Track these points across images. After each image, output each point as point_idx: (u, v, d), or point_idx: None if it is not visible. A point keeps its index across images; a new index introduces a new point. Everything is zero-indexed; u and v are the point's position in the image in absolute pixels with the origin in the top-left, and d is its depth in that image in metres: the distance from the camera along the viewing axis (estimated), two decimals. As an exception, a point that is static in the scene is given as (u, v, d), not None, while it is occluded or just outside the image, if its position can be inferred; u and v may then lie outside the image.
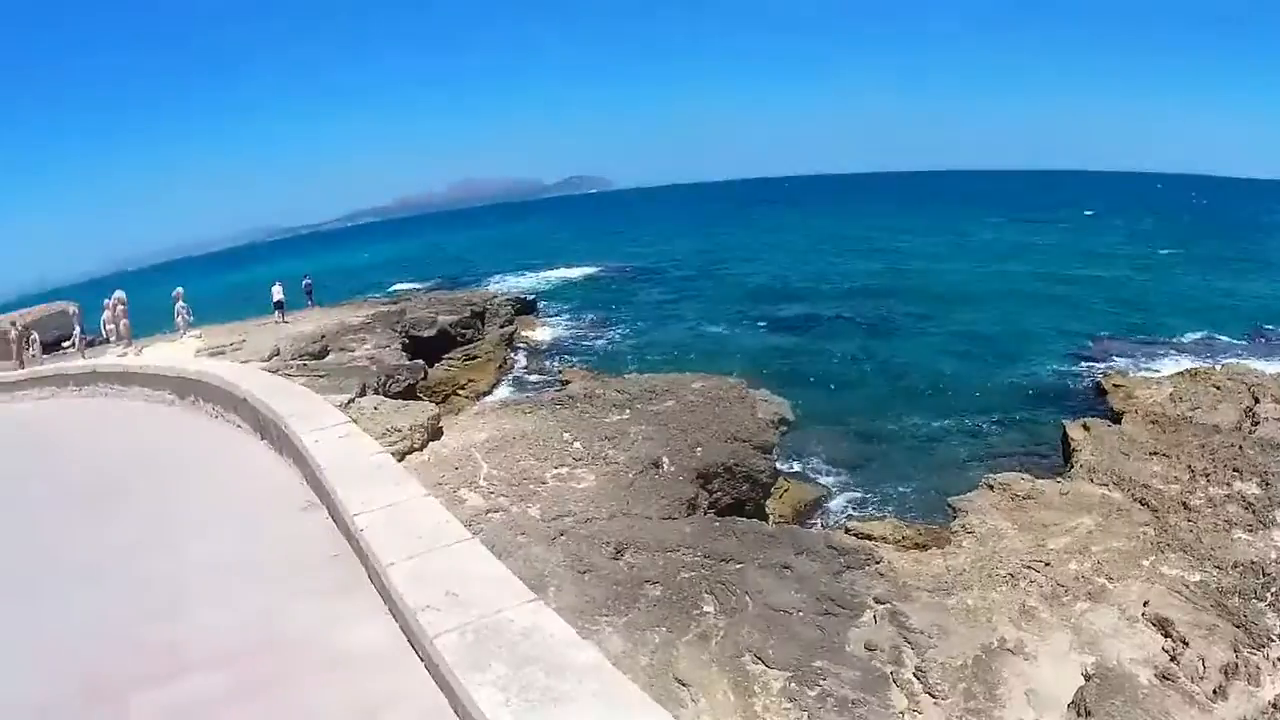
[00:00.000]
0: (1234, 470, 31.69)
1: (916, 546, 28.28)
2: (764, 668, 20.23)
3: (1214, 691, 20.16)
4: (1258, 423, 38.44)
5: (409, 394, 43.55)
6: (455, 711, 6.06)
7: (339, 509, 9.84)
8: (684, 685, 19.55)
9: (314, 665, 7.61)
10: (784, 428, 37.38)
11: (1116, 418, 40.34)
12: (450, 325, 63.24)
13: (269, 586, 9.57)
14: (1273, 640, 21.76)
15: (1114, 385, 48.27)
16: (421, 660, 6.85)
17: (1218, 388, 42.87)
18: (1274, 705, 19.70)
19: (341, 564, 9.52)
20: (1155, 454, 34.05)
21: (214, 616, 8.94)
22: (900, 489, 40.15)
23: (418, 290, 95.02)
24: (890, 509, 37.39)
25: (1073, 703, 19.60)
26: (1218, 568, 25.15)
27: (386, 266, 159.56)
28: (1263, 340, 69.49)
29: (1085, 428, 37.44)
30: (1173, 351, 64.81)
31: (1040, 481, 31.70)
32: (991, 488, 31.18)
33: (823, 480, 41.69)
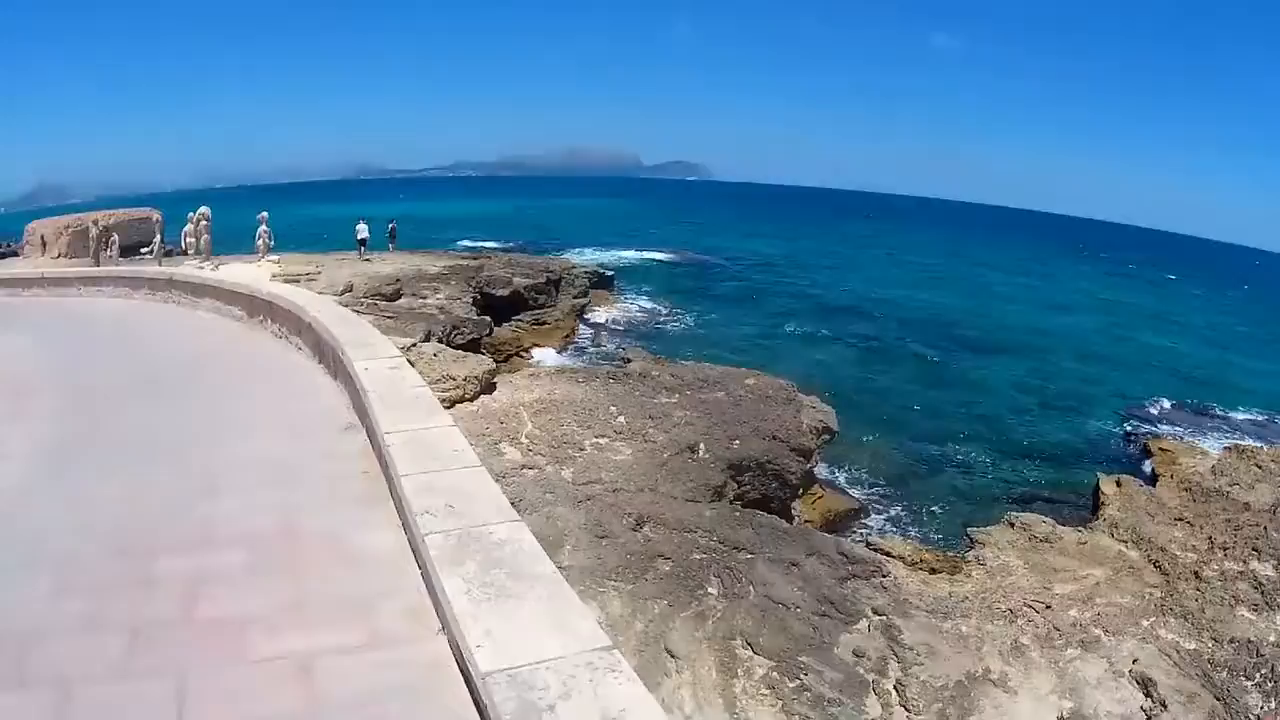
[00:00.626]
0: (1254, 549, 31.95)
1: (930, 570, 28.91)
2: (751, 654, 21.00)
3: None
4: (1293, 505, 39.02)
5: (472, 347, 44.25)
6: (430, 599, 7.17)
7: (375, 429, 10.87)
8: (672, 656, 20.37)
9: (325, 561, 8.50)
10: (826, 436, 38.05)
11: (1154, 480, 40.67)
12: (524, 288, 63.86)
13: (300, 490, 10.51)
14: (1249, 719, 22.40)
15: (1160, 449, 48.47)
16: (419, 567, 7.83)
17: (1260, 467, 42.86)
18: None
19: (369, 480, 10.46)
20: (1180, 520, 34.43)
21: (245, 507, 9.91)
22: (931, 515, 40.77)
23: (500, 249, 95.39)
24: (916, 532, 38.21)
25: None
26: (1214, 640, 25.60)
27: (475, 222, 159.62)
28: None
29: (1118, 484, 37.77)
30: (1226, 427, 64.80)
31: (1062, 528, 32.32)
32: (1012, 525, 31.87)
33: (858, 495, 42.29)
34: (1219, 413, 69.33)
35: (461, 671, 6.10)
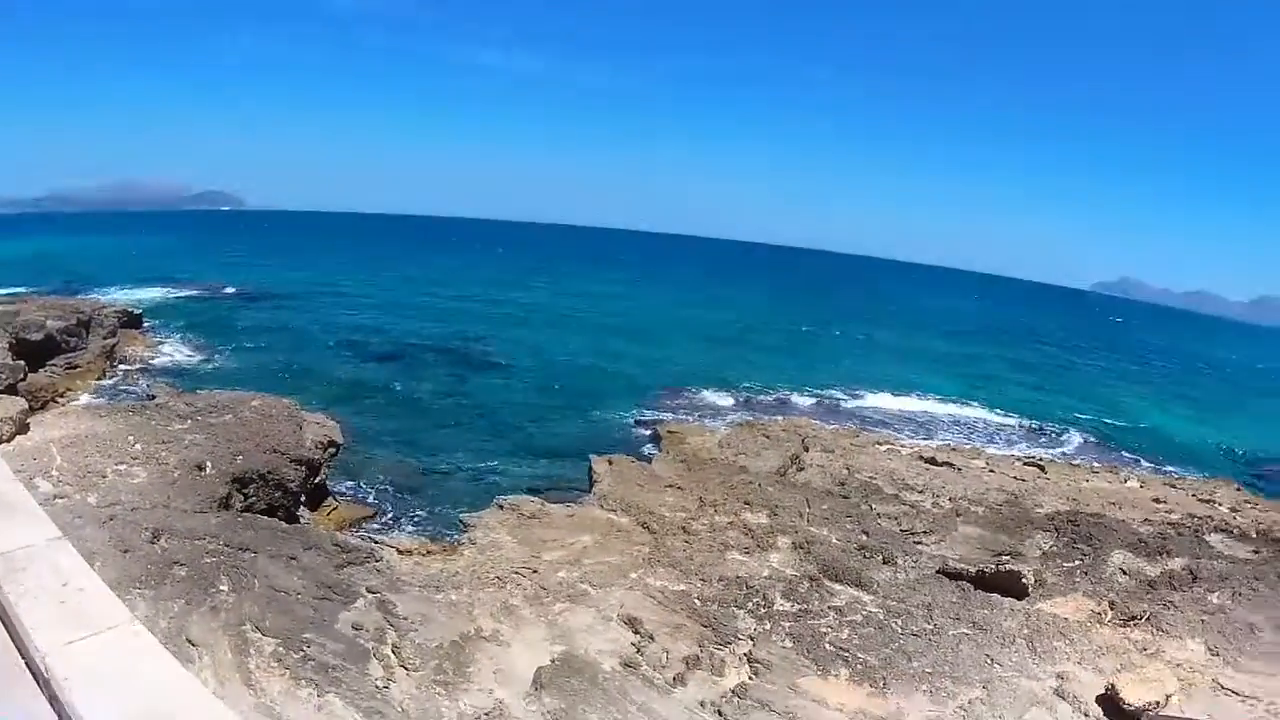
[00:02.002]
0: (745, 503, 36.49)
1: (426, 554, 31.41)
2: (260, 635, 23.12)
3: (674, 678, 23.78)
4: (802, 468, 43.54)
5: (10, 392, 44.44)
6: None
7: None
8: (194, 645, 22.26)
9: None
10: (333, 449, 40.90)
11: (643, 458, 45.07)
12: (57, 331, 62.73)
13: None
14: (740, 639, 25.74)
15: (669, 432, 52.87)
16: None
17: (768, 436, 47.96)
18: (734, 691, 23.13)
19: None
20: (671, 487, 38.42)
21: None
22: (439, 511, 43.11)
23: (36, 293, 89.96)
24: (427, 527, 40.78)
25: (534, 680, 22.96)
26: (703, 581, 29.19)
27: (13, 264, 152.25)
28: (830, 403, 78.60)
29: (609, 462, 41.51)
30: (733, 406, 72.11)
31: (551, 505, 35.57)
32: (502, 508, 34.84)
33: (372, 501, 44.62)
34: (734, 393, 76.36)
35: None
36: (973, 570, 32.75)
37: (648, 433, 59.01)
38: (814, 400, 79.13)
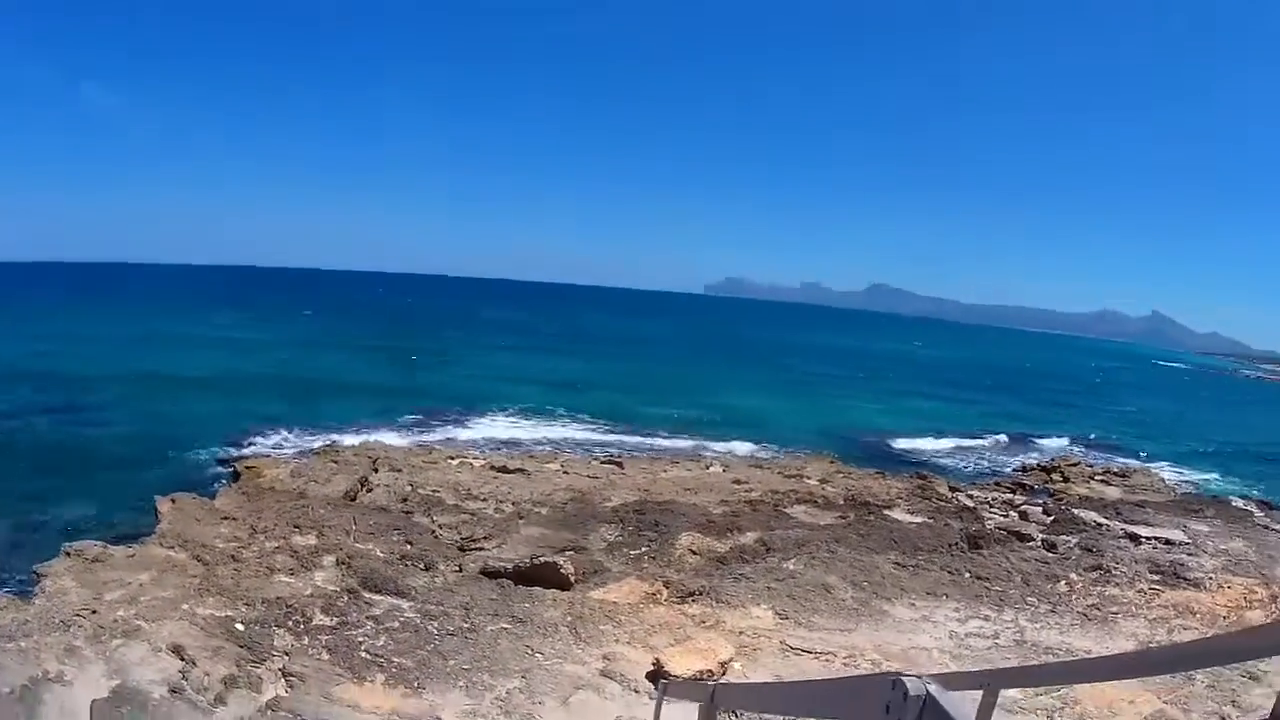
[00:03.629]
0: (294, 527, 38.80)
1: (4, 607, 31.26)
2: None
3: (215, 698, 25.44)
4: (370, 489, 46.65)
5: None
6: None
7: None
8: None
9: None
10: None
11: (213, 495, 46.59)
12: None
13: None
14: (276, 655, 27.67)
15: (247, 468, 54.17)
16: None
17: (337, 462, 51.07)
18: (269, 705, 24.70)
19: None
20: (227, 519, 40.33)
21: None
22: (29, 566, 39.82)
23: None
24: (15, 584, 39.38)
25: (90, 713, 24.29)
26: (247, 605, 31.16)
27: None
28: (418, 427, 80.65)
29: (173, 501, 43.07)
30: (320, 436, 73.08)
31: (114, 548, 36.62)
32: (69, 554, 35.76)
33: None
34: (316, 425, 77.47)
35: None
36: (510, 567, 35.34)
37: (229, 470, 59.58)
38: (401, 426, 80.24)
